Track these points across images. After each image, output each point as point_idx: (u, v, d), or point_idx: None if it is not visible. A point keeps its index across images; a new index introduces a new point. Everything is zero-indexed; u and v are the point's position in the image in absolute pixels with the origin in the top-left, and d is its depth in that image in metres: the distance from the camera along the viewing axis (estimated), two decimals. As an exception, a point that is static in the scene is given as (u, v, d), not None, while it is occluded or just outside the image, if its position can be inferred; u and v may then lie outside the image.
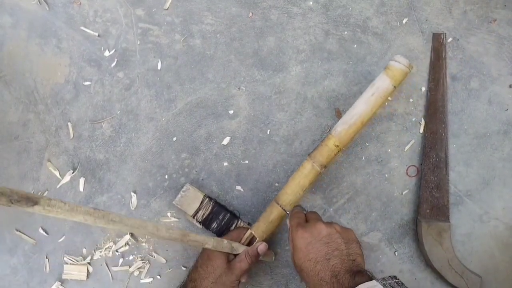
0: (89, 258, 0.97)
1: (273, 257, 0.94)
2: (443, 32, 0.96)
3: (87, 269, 0.97)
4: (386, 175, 0.97)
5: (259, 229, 0.84)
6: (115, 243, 0.97)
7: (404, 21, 0.98)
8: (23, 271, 0.98)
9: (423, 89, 0.97)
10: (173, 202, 0.93)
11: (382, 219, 0.96)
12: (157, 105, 0.99)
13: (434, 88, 0.95)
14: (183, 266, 0.97)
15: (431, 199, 0.92)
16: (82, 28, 1.00)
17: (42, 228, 0.98)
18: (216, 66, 0.99)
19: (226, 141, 0.98)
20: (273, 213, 0.84)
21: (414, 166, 0.97)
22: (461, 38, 0.97)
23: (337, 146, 0.81)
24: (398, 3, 0.98)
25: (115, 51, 1.00)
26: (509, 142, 0.96)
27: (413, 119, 0.97)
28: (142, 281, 0.97)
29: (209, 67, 0.99)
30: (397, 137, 0.97)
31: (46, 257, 0.98)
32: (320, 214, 0.98)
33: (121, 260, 0.97)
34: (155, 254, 0.97)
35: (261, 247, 0.82)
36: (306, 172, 0.83)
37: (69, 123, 0.99)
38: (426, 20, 0.98)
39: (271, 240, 0.95)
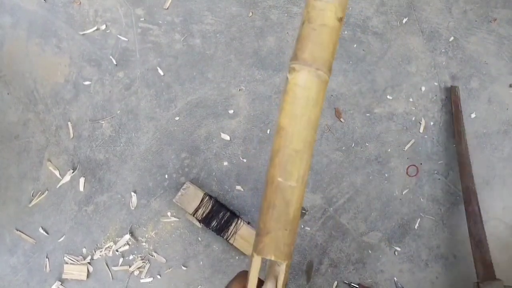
0: (89, 257, 0.97)
1: None
2: (457, 86, 0.94)
3: (87, 268, 0.97)
4: (386, 175, 0.97)
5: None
6: (115, 242, 0.97)
7: (404, 21, 0.98)
8: (23, 270, 0.98)
9: (423, 88, 0.97)
10: (173, 200, 0.93)
11: (382, 219, 0.96)
12: (157, 104, 0.99)
13: (459, 141, 0.92)
14: (183, 266, 0.97)
15: (481, 259, 0.87)
16: (82, 27, 1.00)
17: (42, 228, 0.98)
18: (216, 65, 0.99)
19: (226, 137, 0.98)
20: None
21: (414, 165, 0.97)
22: (461, 38, 0.97)
23: (341, 19, 0.43)
24: (398, 3, 0.98)
25: (115, 51, 1.00)
26: (509, 141, 0.96)
27: (413, 119, 0.97)
28: (142, 280, 0.97)
29: (209, 67, 0.99)
30: (397, 137, 0.97)
31: (46, 257, 0.98)
32: (320, 214, 0.98)
33: (121, 260, 0.97)
34: (155, 254, 0.97)
35: None
36: (310, 90, 0.42)
37: (69, 123, 0.99)
38: (426, 19, 0.98)
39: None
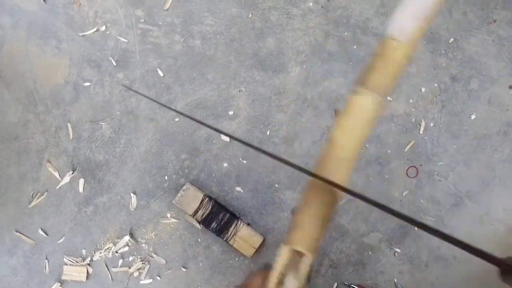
0: (88, 259, 0.97)
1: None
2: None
3: (87, 270, 0.97)
4: (386, 176, 0.96)
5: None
6: (114, 244, 0.97)
7: (404, 22, 0.98)
8: (23, 271, 0.98)
9: (423, 90, 0.97)
10: (173, 201, 0.93)
11: (382, 220, 0.96)
12: (157, 105, 0.99)
13: None
14: (182, 267, 0.97)
15: None
16: (82, 29, 1.00)
17: (41, 229, 0.98)
18: (216, 67, 0.99)
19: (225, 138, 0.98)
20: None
21: (414, 167, 0.97)
22: (461, 39, 0.97)
23: (408, 59, 0.48)
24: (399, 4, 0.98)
25: (115, 52, 1.00)
26: (509, 143, 0.96)
27: (413, 120, 0.97)
28: (141, 282, 0.97)
29: (209, 68, 0.99)
30: (397, 138, 0.97)
31: (46, 258, 0.98)
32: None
33: (120, 261, 0.97)
34: (154, 255, 0.97)
35: None
36: (367, 111, 0.47)
37: (69, 124, 0.99)
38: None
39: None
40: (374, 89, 0.47)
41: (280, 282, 0.47)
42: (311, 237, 0.46)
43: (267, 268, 0.49)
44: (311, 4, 0.99)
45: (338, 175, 0.47)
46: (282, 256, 0.47)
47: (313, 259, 0.46)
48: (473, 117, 0.97)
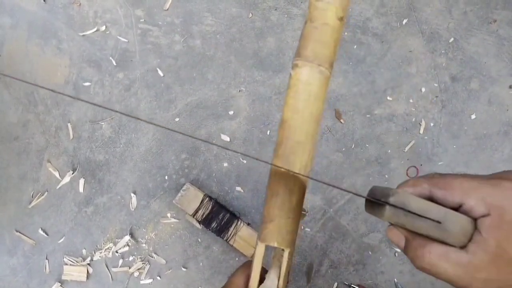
0: (89, 259, 0.97)
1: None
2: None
3: (87, 270, 0.96)
4: (386, 176, 0.97)
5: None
6: (115, 244, 0.97)
7: (404, 22, 0.98)
8: (23, 271, 0.98)
9: (423, 89, 0.97)
10: (173, 201, 0.93)
11: (382, 220, 0.96)
12: (157, 105, 0.99)
13: None
14: (183, 267, 0.97)
15: None
16: (82, 28, 1.00)
17: (42, 229, 0.97)
18: (216, 66, 0.99)
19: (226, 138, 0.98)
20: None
21: (414, 167, 0.97)
22: (461, 39, 0.97)
23: (341, 18, 0.45)
24: (398, 4, 0.98)
25: (115, 52, 1.00)
26: (509, 143, 0.96)
27: (413, 120, 0.97)
28: (142, 282, 0.97)
29: (209, 68, 0.99)
30: (397, 138, 0.97)
31: (46, 258, 0.97)
32: (320, 215, 0.98)
33: (121, 261, 0.97)
34: (155, 255, 0.97)
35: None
36: (311, 86, 0.44)
37: (69, 124, 0.99)
38: (426, 20, 0.98)
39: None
40: (313, 59, 0.43)
41: (262, 279, 0.46)
42: (284, 230, 0.45)
43: (248, 266, 0.48)
44: (311, 4, 0.99)
45: (297, 160, 0.44)
46: (258, 253, 0.45)
47: (291, 253, 0.45)
48: (473, 117, 0.97)
